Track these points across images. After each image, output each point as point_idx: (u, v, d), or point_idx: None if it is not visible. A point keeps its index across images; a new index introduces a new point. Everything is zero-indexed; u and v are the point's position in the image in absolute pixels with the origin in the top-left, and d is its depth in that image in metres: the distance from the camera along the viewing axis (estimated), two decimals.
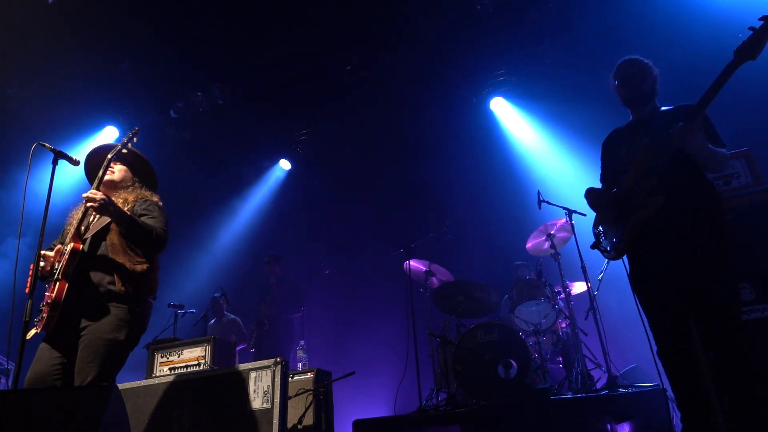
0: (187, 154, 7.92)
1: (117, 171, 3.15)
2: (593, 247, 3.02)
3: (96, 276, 2.78)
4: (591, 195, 3.01)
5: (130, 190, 3.13)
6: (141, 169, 3.27)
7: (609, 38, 6.13)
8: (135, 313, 2.83)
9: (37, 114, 6.30)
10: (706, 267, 2.53)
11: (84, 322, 2.71)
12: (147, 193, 3.17)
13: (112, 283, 2.78)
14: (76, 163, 3.02)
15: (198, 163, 8.02)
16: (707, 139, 2.63)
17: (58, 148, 2.93)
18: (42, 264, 2.77)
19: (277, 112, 7.74)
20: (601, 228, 2.99)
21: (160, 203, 3.17)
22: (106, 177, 3.05)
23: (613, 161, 2.98)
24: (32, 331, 2.67)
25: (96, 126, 7.35)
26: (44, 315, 2.68)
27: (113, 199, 2.88)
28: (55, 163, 2.89)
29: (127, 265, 2.82)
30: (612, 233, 2.85)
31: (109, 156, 2.98)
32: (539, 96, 7.17)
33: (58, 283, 2.68)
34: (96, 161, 3.11)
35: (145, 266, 2.89)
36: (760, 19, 2.44)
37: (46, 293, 2.76)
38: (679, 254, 2.60)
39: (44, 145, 2.85)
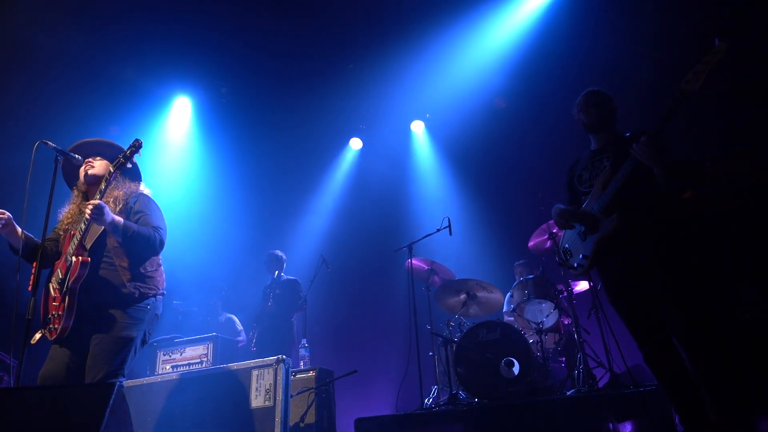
0: (188, 153, 7.91)
1: (97, 165, 3.06)
2: (561, 264, 3.17)
3: (103, 280, 2.80)
4: (557, 213, 3.11)
5: (114, 185, 3.00)
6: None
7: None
8: (146, 310, 2.86)
9: (40, 113, 6.30)
10: (669, 282, 2.61)
11: (96, 326, 2.74)
12: (134, 185, 3.11)
13: (120, 285, 2.80)
14: (79, 161, 3.03)
15: (198, 161, 8.01)
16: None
17: (61, 147, 2.93)
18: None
19: (280, 109, 7.74)
20: (567, 246, 3.12)
21: (149, 192, 3.14)
22: (90, 171, 3.03)
23: (577, 185, 3.14)
24: (37, 335, 2.69)
25: (100, 125, 7.35)
26: (57, 326, 2.70)
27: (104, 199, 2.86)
28: (57, 161, 2.89)
29: (131, 266, 2.84)
30: (578, 251, 2.97)
31: (112, 169, 2.85)
32: (542, 94, 7.14)
33: (68, 297, 2.71)
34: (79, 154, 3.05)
35: (147, 264, 2.91)
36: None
37: (53, 303, 2.77)
38: (642, 270, 2.70)
39: (47, 144, 2.83)
